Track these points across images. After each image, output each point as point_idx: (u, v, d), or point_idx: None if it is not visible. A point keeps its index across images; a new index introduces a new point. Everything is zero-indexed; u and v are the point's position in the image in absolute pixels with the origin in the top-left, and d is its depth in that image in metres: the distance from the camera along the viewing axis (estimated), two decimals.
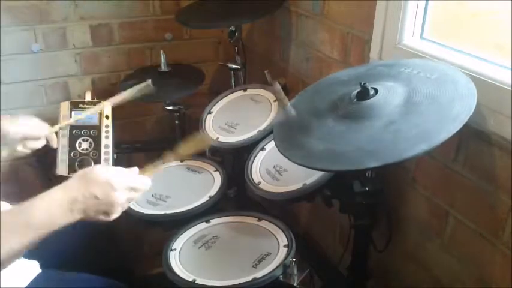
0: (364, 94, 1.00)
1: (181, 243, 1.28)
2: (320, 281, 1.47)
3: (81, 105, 1.56)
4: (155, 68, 1.90)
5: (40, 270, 1.12)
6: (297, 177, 1.27)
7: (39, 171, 1.92)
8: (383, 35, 1.27)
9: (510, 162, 0.98)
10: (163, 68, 1.88)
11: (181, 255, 1.24)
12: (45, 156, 1.90)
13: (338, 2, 1.47)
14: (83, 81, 2.05)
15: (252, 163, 1.42)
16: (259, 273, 1.13)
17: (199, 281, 1.13)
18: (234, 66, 1.84)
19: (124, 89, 1.54)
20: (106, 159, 1.44)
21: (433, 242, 1.22)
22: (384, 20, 1.25)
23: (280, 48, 1.86)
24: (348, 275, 1.34)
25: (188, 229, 1.32)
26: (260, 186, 1.33)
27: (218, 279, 1.13)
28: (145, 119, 2.20)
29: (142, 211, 1.38)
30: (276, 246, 1.21)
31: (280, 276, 1.14)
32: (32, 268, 1.11)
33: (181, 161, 1.60)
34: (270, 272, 1.12)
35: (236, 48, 1.83)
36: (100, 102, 1.59)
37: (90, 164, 1.39)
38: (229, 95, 1.68)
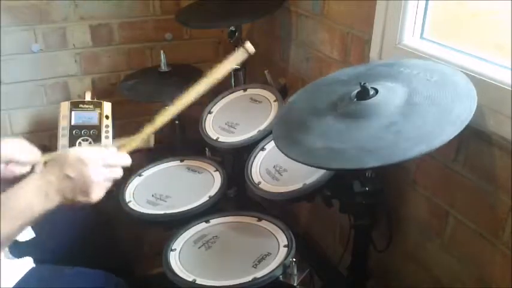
0: (364, 94, 1.00)
1: (181, 243, 1.28)
2: (320, 281, 1.47)
3: (81, 105, 1.56)
4: (155, 68, 1.90)
5: (33, 265, 1.12)
6: (297, 177, 1.27)
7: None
8: (383, 35, 1.27)
9: (510, 162, 0.98)
10: (163, 68, 1.88)
11: (181, 255, 1.23)
12: None
13: (338, 2, 1.47)
14: (83, 81, 2.05)
15: (252, 163, 1.42)
16: (259, 273, 1.13)
17: (199, 281, 1.13)
18: (234, 66, 1.84)
19: (123, 89, 1.54)
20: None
21: (433, 242, 1.22)
22: (384, 20, 1.25)
23: (280, 48, 1.86)
24: (348, 275, 1.34)
25: (188, 229, 1.32)
26: (260, 186, 1.33)
27: (218, 279, 1.13)
28: (145, 119, 2.20)
29: (142, 211, 1.38)
30: (276, 246, 1.21)
31: (280, 276, 1.14)
32: (25, 265, 1.11)
33: (181, 160, 1.60)
34: (270, 272, 1.12)
35: (236, 48, 1.83)
36: (100, 102, 1.59)
37: None
38: (229, 95, 1.68)
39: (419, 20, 1.22)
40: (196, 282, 1.13)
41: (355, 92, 1.01)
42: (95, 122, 1.54)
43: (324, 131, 1.01)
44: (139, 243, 1.77)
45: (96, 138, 1.50)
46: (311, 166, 1.01)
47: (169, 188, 1.47)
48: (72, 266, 1.15)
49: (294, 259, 1.15)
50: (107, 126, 1.55)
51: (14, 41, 1.88)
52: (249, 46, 1.07)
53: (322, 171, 1.23)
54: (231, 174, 1.57)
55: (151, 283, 1.55)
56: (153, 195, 1.44)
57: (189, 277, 1.15)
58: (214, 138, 1.54)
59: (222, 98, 1.68)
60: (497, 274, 1.06)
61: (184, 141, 1.92)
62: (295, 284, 1.16)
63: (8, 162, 0.98)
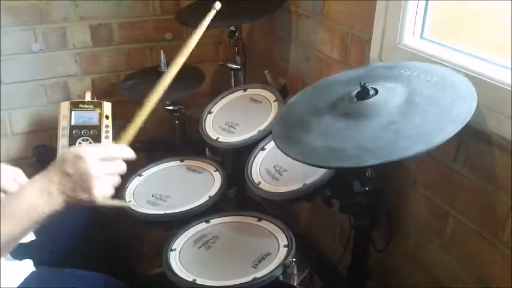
0: (364, 94, 1.00)
1: (181, 243, 1.28)
2: (320, 281, 1.47)
3: (81, 105, 1.57)
4: (155, 68, 1.90)
5: (34, 269, 1.12)
6: (297, 177, 1.27)
7: (39, 171, 1.91)
8: (383, 35, 1.27)
9: (510, 162, 0.98)
10: (163, 68, 1.88)
11: (181, 255, 1.24)
12: (45, 156, 1.91)
13: (338, 2, 1.47)
14: (83, 81, 2.05)
15: (252, 163, 1.43)
16: (259, 273, 1.13)
17: (199, 281, 1.13)
18: (234, 66, 1.84)
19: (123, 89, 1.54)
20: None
21: (433, 242, 1.22)
22: (384, 20, 1.25)
23: (280, 48, 1.86)
24: (348, 275, 1.34)
25: (188, 229, 1.32)
26: (260, 186, 1.33)
27: (218, 279, 1.13)
28: (145, 119, 2.20)
29: (142, 211, 1.38)
30: (276, 246, 1.21)
31: (280, 276, 1.14)
32: (25, 268, 1.11)
33: (181, 160, 1.60)
34: (270, 272, 1.12)
35: (236, 48, 1.83)
36: (100, 102, 1.59)
37: None
38: (229, 95, 1.69)
39: (419, 20, 1.22)
40: (196, 282, 1.13)
41: (355, 91, 1.02)
42: (95, 122, 1.54)
43: (324, 130, 1.01)
44: (139, 243, 1.77)
45: (96, 138, 1.50)
46: (311, 165, 1.01)
47: (169, 188, 1.47)
48: (72, 268, 1.15)
49: (294, 259, 1.15)
50: (107, 126, 1.55)
51: (14, 41, 1.88)
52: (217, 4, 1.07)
53: (322, 171, 1.23)
54: (231, 174, 1.57)
55: (151, 283, 1.55)
56: (153, 195, 1.44)
57: (189, 277, 1.15)
58: (214, 138, 1.54)
59: (222, 98, 1.68)
60: (497, 274, 1.06)
61: (184, 141, 1.92)
62: (295, 284, 1.16)
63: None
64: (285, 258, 1.15)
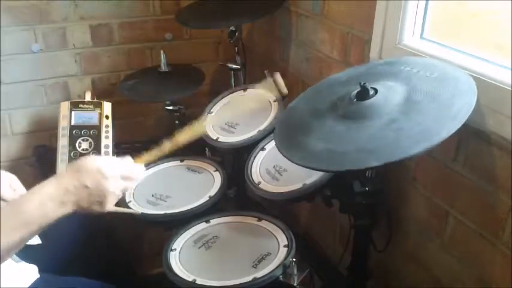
0: (364, 94, 1.00)
1: (181, 243, 1.28)
2: (320, 281, 1.47)
3: (81, 105, 1.56)
4: (155, 68, 1.91)
5: (38, 275, 1.12)
6: (297, 177, 1.27)
7: (39, 171, 1.92)
8: (383, 35, 1.27)
9: (510, 162, 0.98)
10: (163, 68, 1.88)
11: (181, 255, 1.23)
12: (45, 156, 1.91)
13: (338, 2, 1.47)
14: (83, 81, 2.05)
15: (252, 163, 1.42)
16: (259, 273, 1.13)
17: (199, 281, 1.13)
18: (234, 66, 1.84)
19: (123, 89, 1.54)
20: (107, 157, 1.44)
21: (433, 242, 1.22)
22: (384, 20, 1.25)
23: (280, 48, 1.86)
24: (348, 275, 1.34)
25: (188, 229, 1.32)
26: (260, 186, 1.33)
27: (218, 279, 1.13)
28: (145, 119, 2.20)
29: (142, 211, 1.38)
30: (276, 246, 1.21)
31: (280, 276, 1.14)
32: (31, 273, 1.11)
33: (181, 160, 1.60)
34: (270, 272, 1.12)
35: (236, 48, 1.83)
36: (100, 102, 1.59)
37: None
38: (229, 95, 1.68)
39: (419, 20, 1.22)
40: (196, 282, 1.13)
41: (355, 92, 1.01)
42: (95, 122, 1.53)
43: (325, 133, 1.01)
44: (139, 243, 1.77)
45: (96, 138, 1.50)
46: (313, 169, 1.01)
47: (169, 188, 1.47)
48: (74, 272, 1.15)
49: (294, 259, 1.15)
50: (107, 126, 1.55)
51: (14, 41, 1.88)
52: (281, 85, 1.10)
53: (322, 172, 1.23)
54: (231, 174, 1.57)
55: (151, 283, 1.55)
56: (153, 195, 1.44)
57: (189, 277, 1.15)
58: (214, 138, 1.54)
59: (222, 98, 1.68)
60: (497, 274, 1.06)
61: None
62: (295, 284, 1.16)
63: None
64: (285, 258, 1.15)
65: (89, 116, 1.55)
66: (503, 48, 1.03)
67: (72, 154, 1.46)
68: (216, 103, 1.67)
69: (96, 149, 1.48)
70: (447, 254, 1.18)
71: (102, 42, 2.02)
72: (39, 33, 1.91)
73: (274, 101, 1.55)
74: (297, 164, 0.98)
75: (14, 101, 1.96)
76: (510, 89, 0.95)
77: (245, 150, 1.49)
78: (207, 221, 1.34)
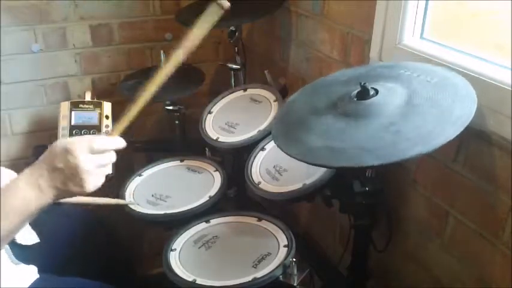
0: (364, 94, 1.00)
1: (181, 243, 1.28)
2: (320, 281, 1.47)
3: (81, 105, 1.56)
4: (155, 68, 1.90)
5: (38, 276, 1.12)
6: (297, 177, 1.27)
7: None
8: (383, 35, 1.27)
9: (510, 162, 0.98)
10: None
11: (181, 255, 1.24)
12: None
13: (338, 2, 1.47)
14: (83, 81, 2.05)
15: (252, 163, 1.43)
16: (259, 273, 1.13)
17: (199, 281, 1.13)
18: (234, 66, 1.84)
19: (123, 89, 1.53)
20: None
21: (433, 242, 1.22)
22: (384, 20, 1.25)
23: (280, 48, 1.86)
24: (348, 275, 1.34)
25: (188, 229, 1.32)
26: (260, 186, 1.33)
27: (218, 279, 1.13)
28: (146, 119, 2.20)
29: (142, 211, 1.38)
30: (276, 246, 1.21)
31: (280, 276, 1.14)
32: (30, 273, 1.11)
33: (181, 160, 1.60)
34: (270, 272, 1.12)
35: (236, 48, 1.83)
36: (100, 102, 1.59)
37: None
38: (229, 95, 1.69)
39: (419, 20, 1.22)
40: (196, 282, 1.13)
41: (355, 91, 1.01)
42: (95, 122, 1.53)
43: (324, 130, 1.01)
44: (139, 243, 1.77)
45: None
46: (311, 164, 1.01)
47: (169, 188, 1.47)
48: (74, 272, 1.14)
49: (294, 259, 1.15)
50: (107, 126, 1.55)
51: (14, 41, 1.88)
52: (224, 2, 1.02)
53: (322, 171, 1.23)
54: (231, 174, 1.57)
55: (151, 283, 1.55)
56: (153, 195, 1.44)
57: (189, 277, 1.15)
58: (214, 138, 1.54)
59: (222, 98, 1.68)
60: (497, 274, 1.06)
61: (184, 141, 1.92)
62: (295, 284, 1.16)
63: None
64: (285, 258, 1.15)
65: (89, 116, 1.55)
66: (503, 48, 1.03)
67: None
68: (216, 103, 1.67)
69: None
70: (447, 254, 1.18)
71: (102, 42, 2.02)
72: (39, 33, 1.91)
73: (274, 101, 1.55)
74: (295, 158, 0.98)
75: (14, 101, 1.96)
76: (510, 89, 0.95)
77: (245, 150, 1.49)
78: (207, 221, 1.34)
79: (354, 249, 1.30)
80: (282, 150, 1.02)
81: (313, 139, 0.99)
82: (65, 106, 1.56)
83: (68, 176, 0.84)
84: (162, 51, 1.88)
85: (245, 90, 1.68)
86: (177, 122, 1.88)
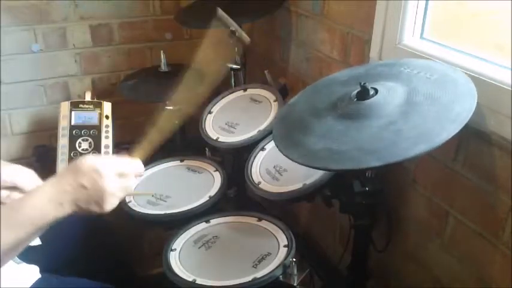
0: (364, 94, 1.00)
1: (181, 243, 1.28)
2: (320, 281, 1.47)
3: (81, 105, 1.56)
4: (155, 68, 1.90)
5: (40, 276, 1.12)
6: (297, 177, 1.27)
7: (39, 171, 1.92)
8: (383, 35, 1.27)
9: (510, 162, 0.98)
10: (163, 68, 1.88)
11: (181, 255, 1.23)
12: (45, 156, 1.91)
13: (338, 2, 1.47)
14: (83, 81, 2.05)
15: (252, 163, 1.42)
16: (259, 273, 1.13)
17: (199, 281, 1.13)
18: (234, 66, 1.84)
19: (123, 89, 1.54)
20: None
21: (433, 242, 1.22)
22: (384, 20, 1.25)
23: (280, 48, 1.86)
24: (348, 275, 1.34)
25: (188, 229, 1.32)
26: (260, 186, 1.33)
27: (218, 279, 1.13)
28: (146, 119, 2.20)
29: (142, 211, 1.38)
30: (276, 246, 1.21)
31: (280, 276, 1.14)
32: (32, 273, 1.11)
33: (181, 160, 1.60)
34: (270, 272, 1.12)
35: (236, 48, 1.83)
36: (100, 102, 1.59)
37: None
38: (229, 95, 1.68)
39: (419, 20, 1.22)
40: (196, 282, 1.13)
41: (355, 92, 1.01)
42: (95, 122, 1.53)
43: (324, 132, 1.01)
44: (139, 243, 1.77)
45: (96, 138, 1.50)
46: (312, 168, 1.01)
47: (169, 188, 1.47)
48: (75, 271, 1.15)
49: (294, 259, 1.15)
50: (107, 126, 1.55)
51: (14, 41, 1.88)
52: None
53: (322, 172, 1.23)
54: (231, 174, 1.57)
55: (151, 283, 1.55)
56: (153, 196, 1.44)
57: (189, 277, 1.15)
58: (214, 138, 1.54)
59: (222, 98, 1.68)
60: (497, 274, 1.06)
61: (184, 141, 1.92)
62: (295, 284, 1.16)
63: (11, 189, 0.98)
64: (285, 258, 1.15)
65: (89, 116, 1.55)
66: (503, 48, 1.03)
67: (72, 154, 1.46)
68: (216, 103, 1.67)
69: (96, 149, 1.48)
70: (447, 254, 1.18)
71: (102, 42, 2.02)
72: (39, 33, 1.91)
73: (274, 101, 1.55)
74: (296, 162, 0.98)
75: (14, 101, 1.96)
76: (510, 89, 0.95)
77: (245, 150, 1.49)
78: (207, 221, 1.34)
79: (354, 249, 1.30)
80: (283, 154, 1.02)
81: (314, 141, 0.99)
82: (65, 106, 1.56)
83: (91, 195, 0.86)
84: (162, 51, 1.88)
85: (245, 90, 1.68)
86: (177, 122, 1.88)
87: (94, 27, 1.98)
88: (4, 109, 1.95)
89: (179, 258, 1.23)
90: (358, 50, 1.39)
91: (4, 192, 0.97)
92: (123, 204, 1.40)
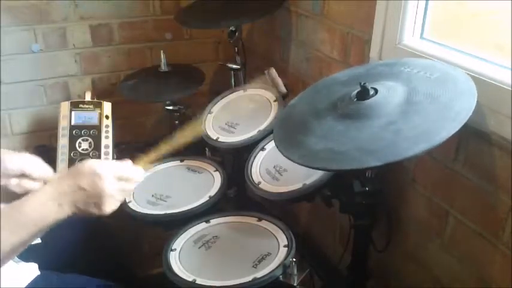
0: (364, 94, 1.00)
1: (181, 243, 1.28)
2: (320, 281, 1.47)
3: (81, 105, 1.56)
4: (155, 68, 1.90)
5: (39, 273, 1.12)
6: (297, 177, 1.27)
7: None
8: (383, 35, 1.27)
9: (510, 162, 0.98)
10: (163, 68, 1.88)
11: (181, 255, 1.23)
12: (45, 156, 1.91)
13: (338, 2, 1.47)
14: (83, 81, 2.05)
15: (252, 163, 1.42)
16: (259, 273, 1.13)
17: (199, 281, 1.13)
18: (234, 66, 1.84)
19: (123, 89, 1.53)
20: (106, 160, 1.44)
21: (433, 242, 1.22)
22: (384, 20, 1.25)
23: (280, 48, 1.86)
24: (348, 275, 1.34)
25: (188, 229, 1.32)
26: (260, 186, 1.33)
27: (218, 279, 1.13)
28: (146, 119, 2.20)
29: (142, 211, 1.38)
30: (276, 246, 1.21)
31: (280, 276, 1.14)
32: (30, 270, 1.11)
33: (181, 160, 1.60)
34: (270, 272, 1.12)
35: (236, 48, 1.83)
36: (100, 102, 1.59)
37: None
38: (229, 95, 1.68)
39: (419, 20, 1.22)
40: (196, 282, 1.13)
41: (355, 92, 1.01)
42: (95, 122, 1.53)
43: (325, 132, 1.01)
44: (139, 243, 1.77)
45: (96, 138, 1.50)
46: (312, 168, 1.01)
47: (169, 188, 1.47)
48: (75, 270, 1.15)
49: (294, 259, 1.15)
50: (107, 126, 1.54)
51: (14, 41, 1.88)
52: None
53: (322, 172, 1.23)
54: (231, 174, 1.57)
55: (151, 283, 1.55)
56: (153, 195, 1.44)
57: (189, 277, 1.15)
58: (214, 138, 1.54)
59: (222, 98, 1.68)
60: (497, 274, 1.06)
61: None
62: (295, 284, 1.16)
63: (20, 177, 0.98)
64: (285, 258, 1.15)
65: (89, 116, 1.54)
66: (503, 48, 1.03)
67: (72, 154, 1.45)
68: (216, 103, 1.67)
69: (96, 149, 1.48)
70: (447, 254, 1.18)
71: (102, 42, 2.02)
72: (39, 33, 1.91)
73: (274, 101, 1.55)
74: (296, 163, 0.98)
75: (14, 101, 1.96)
76: (510, 89, 0.95)
77: (245, 150, 1.49)
78: (207, 221, 1.34)
79: (354, 249, 1.30)
80: (284, 155, 1.02)
81: (314, 142, 0.99)
82: (65, 106, 1.56)
83: (90, 197, 0.87)
84: (162, 51, 1.88)
85: (245, 90, 1.68)
86: (177, 122, 1.88)
87: (94, 27, 1.98)
88: (4, 109, 1.95)
89: (179, 258, 1.23)
90: (358, 50, 1.39)
91: (14, 181, 0.98)
92: (123, 205, 1.40)
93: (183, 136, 1.08)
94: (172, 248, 1.25)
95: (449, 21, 1.26)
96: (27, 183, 0.98)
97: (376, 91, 1.00)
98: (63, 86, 2.03)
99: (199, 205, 1.37)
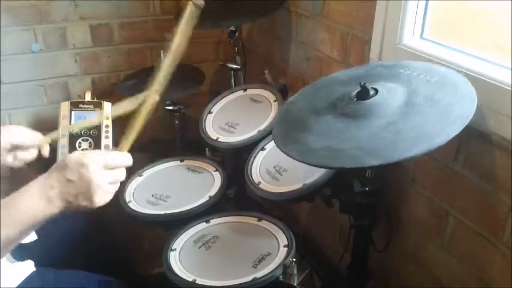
0: (364, 94, 1.00)
1: (181, 243, 1.28)
2: (320, 281, 1.47)
3: (81, 105, 1.56)
4: (155, 68, 1.90)
5: (34, 269, 1.12)
6: (297, 177, 1.27)
7: (39, 171, 1.92)
8: (383, 35, 1.27)
9: (510, 162, 0.98)
10: None
11: (181, 255, 1.23)
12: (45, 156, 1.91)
13: (338, 2, 1.47)
14: (83, 81, 2.05)
15: (252, 163, 1.42)
16: (259, 273, 1.13)
17: (199, 281, 1.13)
18: (234, 66, 1.84)
19: (123, 89, 1.53)
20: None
21: (433, 242, 1.22)
22: (384, 20, 1.25)
23: (280, 48, 1.86)
24: (348, 275, 1.34)
25: (188, 229, 1.32)
26: (260, 186, 1.33)
27: (218, 279, 1.13)
28: (144, 123, 2.20)
29: (142, 211, 1.38)
30: (276, 246, 1.21)
31: (280, 276, 1.14)
32: (26, 268, 1.11)
33: (181, 160, 1.60)
34: (270, 272, 1.12)
35: (236, 48, 1.83)
36: (100, 102, 1.59)
37: None
38: (229, 95, 1.69)
39: (419, 20, 1.22)
40: (196, 282, 1.13)
41: (355, 91, 1.01)
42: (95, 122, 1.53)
43: (324, 130, 1.01)
44: (139, 243, 1.77)
45: (96, 138, 1.50)
46: (311, 165, 1.01)
47: (169, 188, 1.47)
48: (73, 269, 1.15)
49: (294, 259, 1.15)
50: (107, 126, 1.54)
51: (14, 41, 1.88)
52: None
53: (322, 172, 1.23)
54: (231, 174, 1.57)
55: (151, 283, 1.55)
56: (153, 195, 1.44)
57: (189, 277, 1.15)
58: (214, 138, 1.54)
59: (222, 98, 1.68)
60: (497, 274, 1.06)
61: (184, 141, 1.92)
62: (295, 284, 1.16)
63: (11, 150, 0.98)
64: (285, 258, 1.15)
65: (89, 116, 1.54)
66: (503, 48, 1.03)
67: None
68: (216, 103, 1.67)
69: (96, 149, 1.47)
70: (447, 254, 1.18)
71: (102, 42, 2.02)
72: (39, 33, 1.91)
73: (274, 101, 1.55)
74: (295, 159, 0.98)
75: (14, 101, 1.96)
76: (510, 89, 0.95)
77: (245, 150, 1.49)
78: (207, 221, 1.34)
79: (354, 249, 1.30)
80: (282, 151, 1.02)
81: (313, 139, 0.99)
82: (65, 106, 1.56)
83: (79, 189, 0.85)
84: (162, 51, 1.88)
85: (245, 90, 1.68)
86: (177, 122, 1.88)
87: (94, 27, 1.98)
88: (4, 109, 1.95)
89: (179, 258, 1.23)
90: (358, 50, 1.39)
91: (9, 156, 0.98)
92: (123, 205, 1.40)
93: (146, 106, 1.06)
94: (172, 248, 1.25)
95: (449, 21, 1.26)
96: (22, 154, 1.00)
97: (376, 91, 1.00)
98: (63, 86, 2.03)
99: (199, 205, 1.37)
